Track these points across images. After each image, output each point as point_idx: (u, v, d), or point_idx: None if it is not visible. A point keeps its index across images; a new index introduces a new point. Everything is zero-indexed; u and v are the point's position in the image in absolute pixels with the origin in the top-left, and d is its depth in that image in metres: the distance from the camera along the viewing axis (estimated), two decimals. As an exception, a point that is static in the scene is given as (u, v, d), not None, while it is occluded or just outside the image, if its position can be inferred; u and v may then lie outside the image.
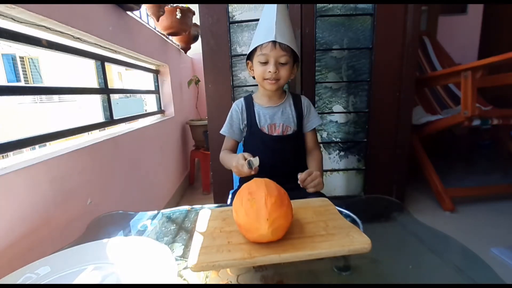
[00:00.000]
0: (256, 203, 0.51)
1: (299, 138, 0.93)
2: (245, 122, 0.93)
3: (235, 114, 0.94)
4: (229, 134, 0.94)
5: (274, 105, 0.91)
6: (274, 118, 0.90)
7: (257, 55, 0.83)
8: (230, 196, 1.01)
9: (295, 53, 0.84)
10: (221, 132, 0.95)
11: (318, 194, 0.94)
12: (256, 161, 0.71)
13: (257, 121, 0.90)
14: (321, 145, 1.59)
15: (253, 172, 0.72)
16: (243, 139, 0.97)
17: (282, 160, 0.88)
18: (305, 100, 0.94)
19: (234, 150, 0.94)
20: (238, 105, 0.95)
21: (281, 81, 0.85)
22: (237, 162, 0.73)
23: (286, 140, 0.90)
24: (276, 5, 0.83)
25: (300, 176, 0.74)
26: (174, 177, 2.19)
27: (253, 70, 0.89)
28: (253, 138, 0.92)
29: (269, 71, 0.82)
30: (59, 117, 7.68)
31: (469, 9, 2.99)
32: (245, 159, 0.72)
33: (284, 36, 0.81)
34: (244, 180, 0.83)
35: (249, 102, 0.93)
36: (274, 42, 0.80)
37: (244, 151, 0.95)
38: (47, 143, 0.98)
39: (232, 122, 0.94)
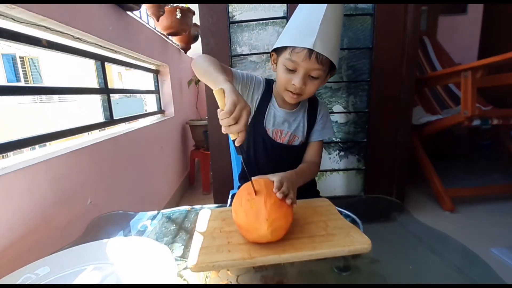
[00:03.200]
0: (255, 203, 0.51)
1: (304, 150, 0.83)
2: (254, 109, 0.79)
3: (256, 87, 0.78)
4: (236, 79, 0.74)
5: (288, 110, 0.79)
6: (283, 124, 0.79)
7: (285, 57, 0.67)
8: (229, 199, 0.98)
9: (332, 63, 0.68)
10: (232, 69, 0.75)
11: (317, 194, 0.94)
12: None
13: (265, 119, 0.79)
14: (321, 145, 1.59)
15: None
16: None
17: (283, 169, 0.70)
18: (321, 107, 0.82)
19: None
20: (262, 85, 0.79)
21: (303, 97, 0.72)
22: (231, 118, 0.49)
23: (290, 151, 0.81)
24: (326, 5, 0.64)
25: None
26: (174, 177, 2.19)
27: (276, 64, 0.74)
28: (255, 135, 0.81)
29: (294, 84, 0.67)
30: (59, 117, 7.68)
31: (469, 9, 2.99)
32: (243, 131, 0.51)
33: (327, 45, 0.64)
34: (244, 180, 0.83)
35: (268, 92, 0.79)
36: (310, 50, 0.63)
37: (247, 144, 0.83)
38: (47, 143, 0.98)
39: (247, 85, 0.76)
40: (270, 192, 0.53)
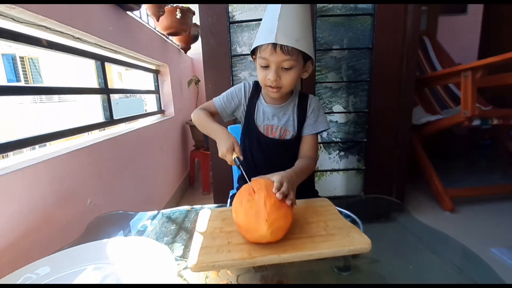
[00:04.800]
0: (255, 204, 0.51)
1: (298, 145, 0.83)
2: (245, 110, 0.84)
3: (238, 93, 0.84)
4: (220, 109, 0.83)
5: (276, 105, 0.82)
6: (273, 119, 0.82)
7: (258, 56, 0.74)
8: (229, 199, 0.97)
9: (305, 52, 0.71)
10: (214, 99, 0.84)
11: (316, 194, 0.94)
12: (241, 158, 0.67)
13: (255, 116, 0.82)
14: (321, 145, 1.59)
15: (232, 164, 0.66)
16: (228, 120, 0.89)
17: (278, 165, 0.71)
18: (311, 101, 0.83)
19: (214, 118, 0.82)
20: (245, 87, 0.84)
21: (284, 89, 0.74)
22: (224, 152, 0.66)
23: (283, 145, 0.82)
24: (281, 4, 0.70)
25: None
26: (174, 177, 2.19)
27: None
28: (249, 134, 0.84)
29: (269, 78, 0.71)
30: (59, 117, 7.68)
31: (469, 9, 2.99)
32: (232, 153, 0.66)
33: (290, 36, 0.68)
34: (243, 181, 0.83)
35: (256, 92, 0.84)
36: (274, 44, 0.68)
37: (241, 144, 0.86)
38: (47, 143, 0.98)
39: (230, 100, 0.84)
40: (270, 192, 0.53)
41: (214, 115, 0.84)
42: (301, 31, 0.70)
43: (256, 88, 0.84)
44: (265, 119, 0.82)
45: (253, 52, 0.78)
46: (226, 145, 0.67)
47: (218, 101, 0.84)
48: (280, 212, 0.51)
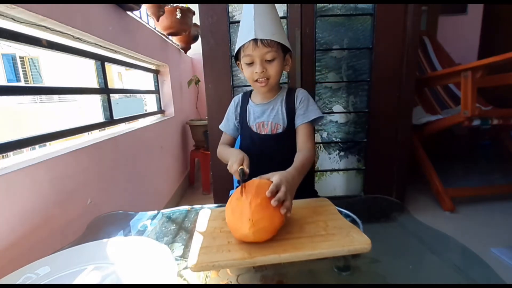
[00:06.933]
0: (242, 202, 0.52)
1: (291, 137, 0.84)
2: (238, 118, 0.91)
3: (231, 109, 0.93)
4: (226, 130, 0.94)
5: (264, 103, 0.86)
6: (263, 116, 0.85)
7: (242, 56, 0.79)
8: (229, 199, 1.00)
9: (284, 45, 0.78)
10: (219, 127, 0.95)
11: (315, 194, 0.94)
12: (246, 171, 0.69)
13: (247, 119, 0.88)
14: (321, 145, 1.59)
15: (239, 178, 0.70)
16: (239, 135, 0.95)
17: (274, 161, 0.76)
18: (299, 92, 0.85)
19: (232, 145, 0.93)
20: (235, 100, 0.93)
21: (272, 80, 0.79)
22: (232, 164, 0.71)
23: (276, 140, 0.84)
24: (253, 4, 0.77)
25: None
26: (174, 177, 2.19)
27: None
28: (245, 136, 0.90)
29: (256, 72, 0.77)
30: (59, 117, 7.67)
31: (469, 9, 2.99)
32: (240, 165, 0.69)
33: (267, 31, 0.75)
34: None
35: (245, 98, 0.91)
36: (255, 40, 0.74)
37: (240, 147, 0.93)
38: (47, 143, 0.98)
39: (229, 118, 0.93)
40: (258, 192, 0.53)
41: (229, 140, 0.94)
42: (275, 27, 0.78)
43: (245, 96, 0.92)
44: (256, 118, 0.87)
45: (237, 58, 0.84)
46: (237, 157, 0.72)
47: (222, 125, 0.95)
48: (265, 212, 0.51)
